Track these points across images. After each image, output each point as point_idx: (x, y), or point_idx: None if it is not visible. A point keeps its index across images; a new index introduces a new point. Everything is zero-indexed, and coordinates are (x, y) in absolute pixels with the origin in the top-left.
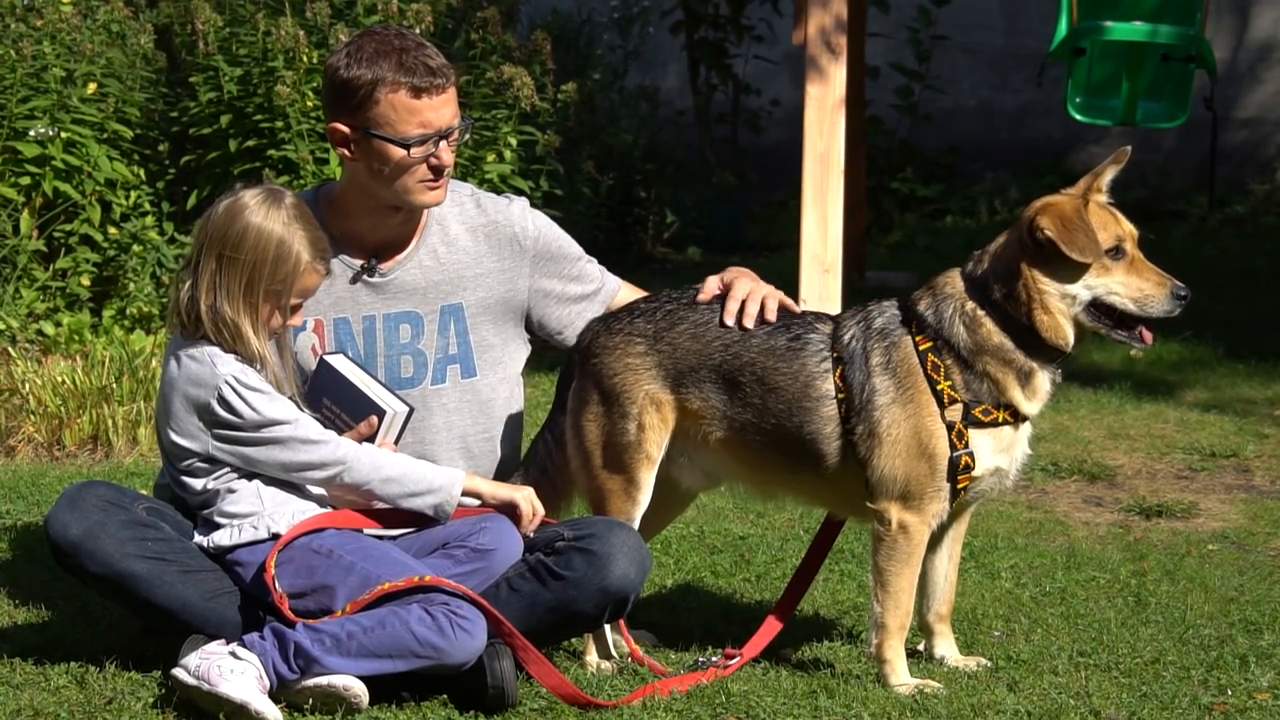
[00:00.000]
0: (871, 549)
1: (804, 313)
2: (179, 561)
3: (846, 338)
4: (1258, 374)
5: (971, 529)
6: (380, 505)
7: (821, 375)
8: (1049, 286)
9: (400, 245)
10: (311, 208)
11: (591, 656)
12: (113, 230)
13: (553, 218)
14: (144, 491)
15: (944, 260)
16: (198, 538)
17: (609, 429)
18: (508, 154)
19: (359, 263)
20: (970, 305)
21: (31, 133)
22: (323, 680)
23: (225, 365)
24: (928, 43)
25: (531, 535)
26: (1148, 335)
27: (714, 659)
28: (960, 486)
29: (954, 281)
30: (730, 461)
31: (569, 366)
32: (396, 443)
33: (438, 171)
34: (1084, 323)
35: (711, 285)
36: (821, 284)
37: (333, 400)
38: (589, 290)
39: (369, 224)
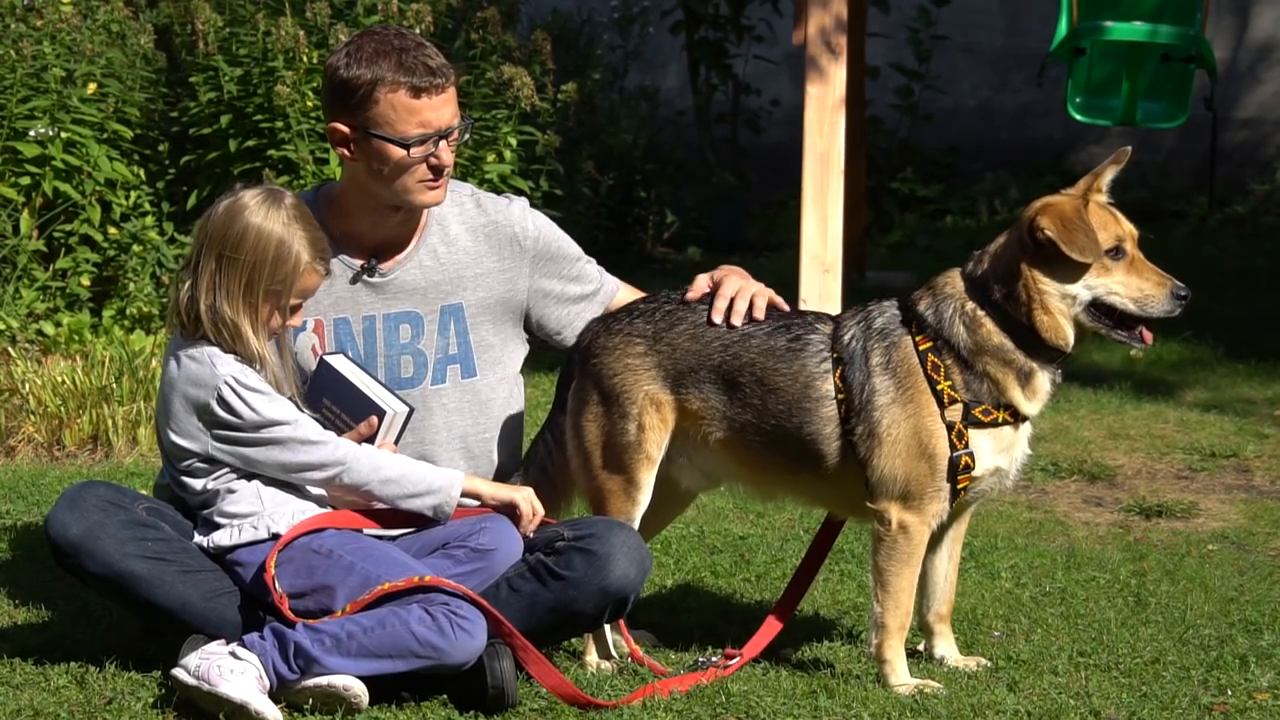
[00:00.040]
0: (871, 549)
1: (804, 313)
2: (179, 561)
3: (846, 338)
4: (1258, 374)
5: (971, 529)
6: (380, 506)
7: (821, 376)
8: (1049, 287)
9: (400, 245)
10: (311, 208)
11: (591, 656)
12: (113, 230)
13: (553, 218)
14: (144, 491)
15: (944, 260)
16: (198, 538)
17: (609, 429)
18: (508, 154)
19: (359, 263)
20: (970, 305)
21: (31, 133)
22: (323, 680)
23: (225, 366)
24: (928, 43)
25: (531, 535)
26: (1148, 335)
27: (714, 659)
28: (960, 487)
29: (954, 281)
30: (730, 462)
31: (569, 367)
32: (396, 443)
33: (437, 171)
34: (1084, 323)
35: (701, 284)
36: (821, 284)
37: (333, 400)
38: (588, 291)
39: (369, 224)
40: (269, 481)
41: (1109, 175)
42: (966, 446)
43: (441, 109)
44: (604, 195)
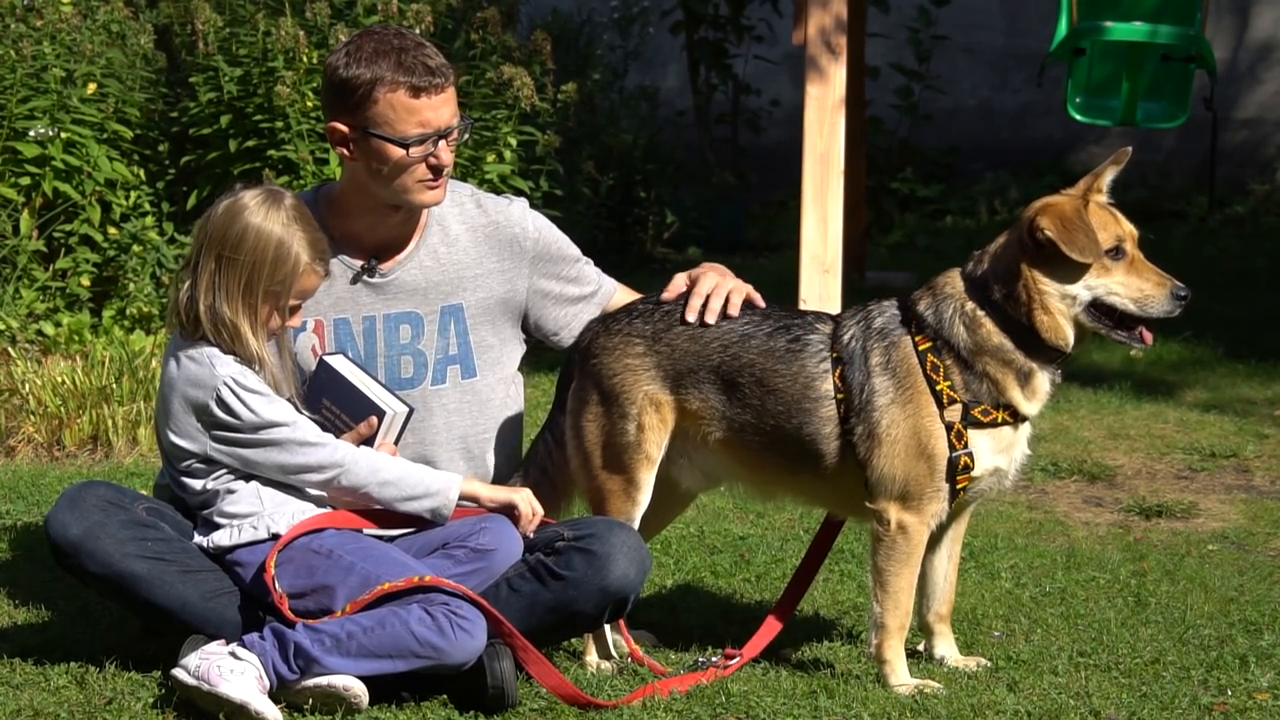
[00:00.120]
0: (871, 549)
1: (803, 312)
2: (179, 561)
3: (846, 338)
4: (1258, 374)
5: (971, 529)
6: (378, 507)
7: (821, 376)
8: (1049, 287)
9: (400, 245)
10: (311, 208)
11: (591, 656)
12: (113, 230)
13: (552, 218)
14: (144, 491)
15: (944, 260)
16: (197, 538)
17: (609, 429)
18: (508, 154)
19: (359, 263)
20: (970, 305)
21: (31, 133)
22: (323, 680)
23: (224, 367)
24: (928, 43)
25: (531, 535)
26: (1148, 335)
27: (714, 659)
28: (959, 487)
29: (954, 282)
30: (730, 462)
31: (569, 367)
32: (396, 443)
33: (437, 171)
34: (1084, 323)
35: (678, 282)
36: (821, 284)
37: (332, 401)
38: (587, 292)
39: (369, 224)
40: (268, 482)
41: (1109, 175)
42: (966, 447)
43: (441, 109)
44: (604, 195)
